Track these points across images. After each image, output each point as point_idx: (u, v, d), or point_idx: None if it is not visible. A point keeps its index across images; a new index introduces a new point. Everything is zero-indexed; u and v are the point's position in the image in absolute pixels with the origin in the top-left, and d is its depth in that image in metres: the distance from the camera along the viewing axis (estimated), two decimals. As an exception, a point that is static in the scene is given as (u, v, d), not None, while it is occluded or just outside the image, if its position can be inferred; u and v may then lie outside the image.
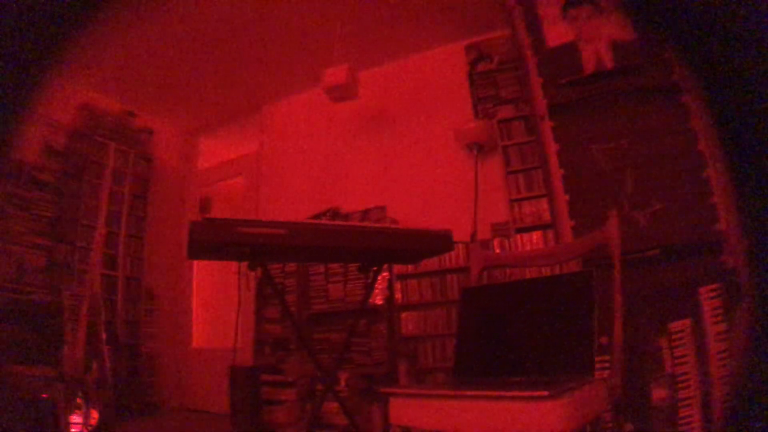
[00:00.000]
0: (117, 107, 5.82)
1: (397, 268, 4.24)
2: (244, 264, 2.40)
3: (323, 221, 4.47)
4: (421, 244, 2.56)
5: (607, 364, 2.40)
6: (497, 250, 3.98)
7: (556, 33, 3.62)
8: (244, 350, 4.64)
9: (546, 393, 1.51)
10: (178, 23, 4.52)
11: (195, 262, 5.96)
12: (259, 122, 5.98)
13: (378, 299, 4.20)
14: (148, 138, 6.06)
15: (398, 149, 4.90)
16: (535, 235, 3.92)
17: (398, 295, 4.25)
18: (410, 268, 4.20)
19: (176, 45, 4.88)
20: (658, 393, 2.64)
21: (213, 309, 6.07)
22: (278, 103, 5.83)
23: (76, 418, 3.37)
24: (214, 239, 2.19)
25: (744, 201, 0.94)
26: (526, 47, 3.82)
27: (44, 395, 2.71)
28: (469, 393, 1.78)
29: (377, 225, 4.05)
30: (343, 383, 3.79)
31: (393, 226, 4.11)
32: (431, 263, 4.01)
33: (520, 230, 4.03)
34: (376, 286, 4.03)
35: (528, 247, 3.91)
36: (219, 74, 5.38)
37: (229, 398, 3.99)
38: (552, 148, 3.82)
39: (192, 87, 5.64)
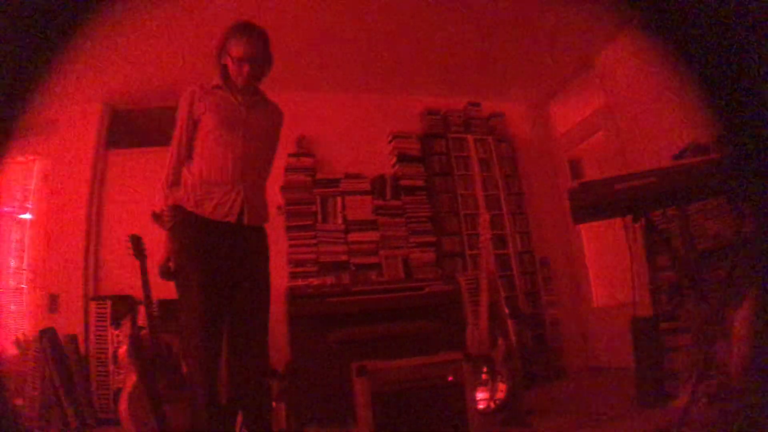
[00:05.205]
0: (461, 103, 6.26)
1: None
2: (628, 217, 2.43)
3: (685, 160, 4.13)
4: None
5: None
6: None
7: None
8: (643, 301, 4.54)
9: None
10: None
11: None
12: (598, 74, 5.71)
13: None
14: (500, 121, 6.34)
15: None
16: None
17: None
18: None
19: (492, 29, 5.09)
20: None
21: (607, 265, 6.03)
22: (608, 50, 5.46)
23: (481, 394, 3.65)
24: (593, 201, 2.29)
25: None
26: None
27: (450, 378, 2.87)
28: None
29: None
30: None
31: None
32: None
33: None
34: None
35: None
36: (539, 39, 5.32)
37: (632, 351, 3.96)
38: None
39: (519, 60, 5.74)
